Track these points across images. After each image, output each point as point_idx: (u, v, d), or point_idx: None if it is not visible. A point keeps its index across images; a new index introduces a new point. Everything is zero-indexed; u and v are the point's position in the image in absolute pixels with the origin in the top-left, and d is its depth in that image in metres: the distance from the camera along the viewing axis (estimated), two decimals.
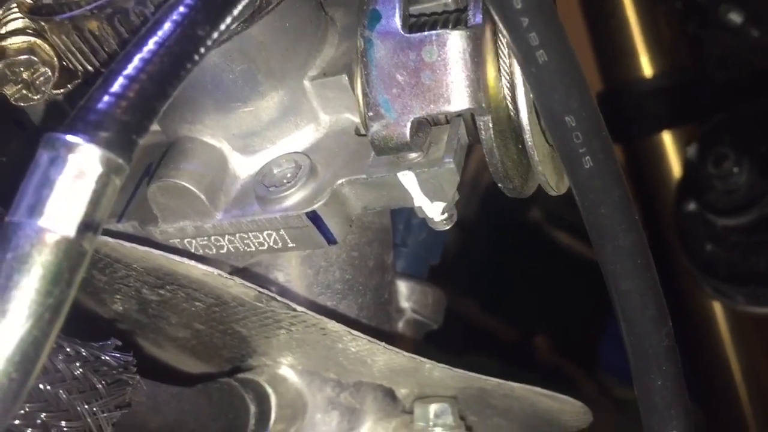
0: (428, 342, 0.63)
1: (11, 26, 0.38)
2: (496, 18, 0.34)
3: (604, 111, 1.13)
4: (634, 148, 1.10)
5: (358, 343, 0.45)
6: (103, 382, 0.35)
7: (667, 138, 1.07)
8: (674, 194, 0.96)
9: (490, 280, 1.26)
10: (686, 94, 1.04)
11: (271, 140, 0.44)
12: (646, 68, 1.07)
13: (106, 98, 0.29)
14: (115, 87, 0.30)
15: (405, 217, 0.62)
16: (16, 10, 0.38)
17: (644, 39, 1.07)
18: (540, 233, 1.29)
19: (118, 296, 0.47)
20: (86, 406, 0.34)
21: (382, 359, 0.48)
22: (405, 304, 0.60)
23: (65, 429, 0.34)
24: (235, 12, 0.33)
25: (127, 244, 0.40)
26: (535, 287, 1.26)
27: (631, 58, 1.08)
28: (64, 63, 0.39)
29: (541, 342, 1.33)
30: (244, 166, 0.44)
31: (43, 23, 0.37)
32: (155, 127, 0.47)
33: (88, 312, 0.51)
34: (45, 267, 0.27)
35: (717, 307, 1.04)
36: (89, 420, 0.34)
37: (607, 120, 1.13)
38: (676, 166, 1.06)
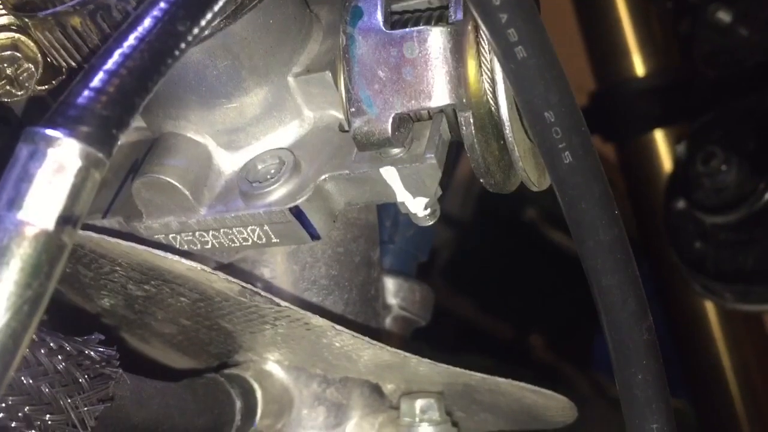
0: (423, 340, 0.63)
1: None
2: (475, 14, 0.34)
3: (597, 110, 1.13)
4: (626, 146, 1.11)
5: (342, 338, 0.45)
6: (85, 375, 0.36)
7: (659, 136, 1.08)
8: (664, 192, 0.96)
9: (485, 278, 1.26)
10: (677, 93, 1.05)
11: (255, 136, 0.44)
12: (638, 67, 1.08)
13: (86, 93, 0.30)
14: (95, 82, 0.30)
15: (392, 213, 0.63)
16: (0, 6, 0.38)
17: (636, 38, 1.08)
18: (535, 232, 1.29)
19: (104, 292, 0.48)
20: (69, 400, 0.35)
21: (368, 355, 0.48)
22: (392, 300, 0.60)
23: (48, 422, 0.35)
24: (216, 8, 0.33)
25: (112, 240, 0.40)
26: (530, 286, 1.27)
27: (623, 57, 1.08)
28: (48, 59, 0.39)
29: (536, 340, 1.33)
30: (228, 162, 0.44)
31: (26, 19, 0.38)
32: (141, 123, 0.48)
33: (75, 308, 0.52)
34: (24, 260, 0.28)
35: (708, 305, 1.04)
36: (72, 413, 0.35)
37: (600, 118, 1.13)
38: (666, 165, 1.06)
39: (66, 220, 0.29)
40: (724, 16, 0.88)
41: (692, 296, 1.02)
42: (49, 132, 0.29)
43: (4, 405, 0.34)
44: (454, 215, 1.23)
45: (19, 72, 0.38)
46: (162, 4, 0.32)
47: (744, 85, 0.89)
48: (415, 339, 0.63)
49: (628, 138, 1.11)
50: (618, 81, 1.09)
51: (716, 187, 0.83)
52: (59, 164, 0.29)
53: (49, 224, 0.28)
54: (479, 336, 1.29)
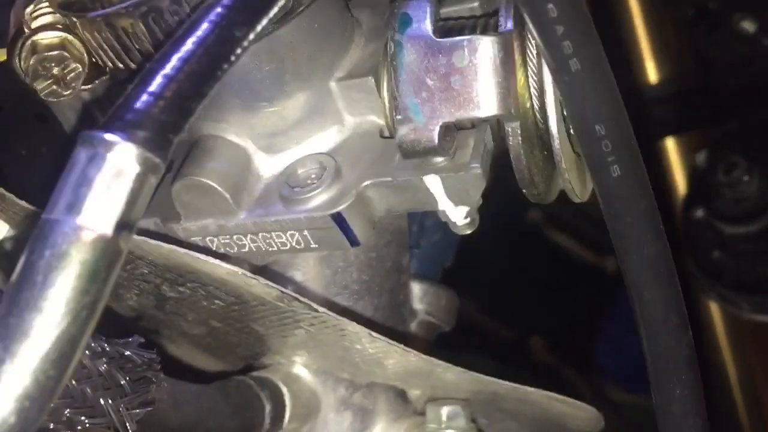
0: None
1: (42, 21, 0.38)
2: (531, 25, 0.34)
3: None
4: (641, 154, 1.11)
5: (376, 344, 0.45)
6: (127, 378, 0.35)
7: (672, 144, 1.08)
8: (680, 200, 0.96)
9: (487, 280, 1.26)
10: (692, 101, 1.04)
11: (295, 140, 0.44)
12: (652, 75, 1.07)
13: (144, 97, 0.29)
14: (153, 86, 0.30)
15: (418, 218, 0.62)
16: (47, 5, 0.38)
17: (650, 46, 1.07)
18: (538, 234, 1.29)
19: (136, 292, 0.47)
20: (111, 403, 0.35)
21: (397, 360, 0.48)
22: (418, 305, 0.60)
23: (90, 425, 0.34)
24: (271, 14, 0.33)
25: (152, 242, 0.40)
26: (532, 288, 1.27)
27: (637, 65, 1.08)
28: (94, 59, 0.39)
29: (537, 343, 1.33)
30: (268, 166, 0.44)
31: (75, 19, 0.37)
32: None
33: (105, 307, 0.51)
34: (82, 265, 0.27)
35: (716, 314, 1.04)
36: (114, 417, 0.34)
37: None
38: (681, 173, 1.06)
39: (123, 225, 0.28)
40: (748, 26, 0.88)
41: (700, 304, 1.02)
42: (108, 136, 0.29)
43: None
44: None
45: (66, 72, 0.38)
46: (219, 9, 0.32)
47: (766, 95, 0.89)
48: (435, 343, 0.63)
49: (641, 145, 1.10)
50: (632, 88, 1.09)
51: (737, 197, 0.83)
52: (118, 169, 0.28)
53: (108, 230, 0.28)
54: (480, 337, 1.29)
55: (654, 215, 0.37)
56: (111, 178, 0.28)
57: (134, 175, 0.29)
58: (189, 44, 0.31)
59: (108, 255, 0.28)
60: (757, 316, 0.87)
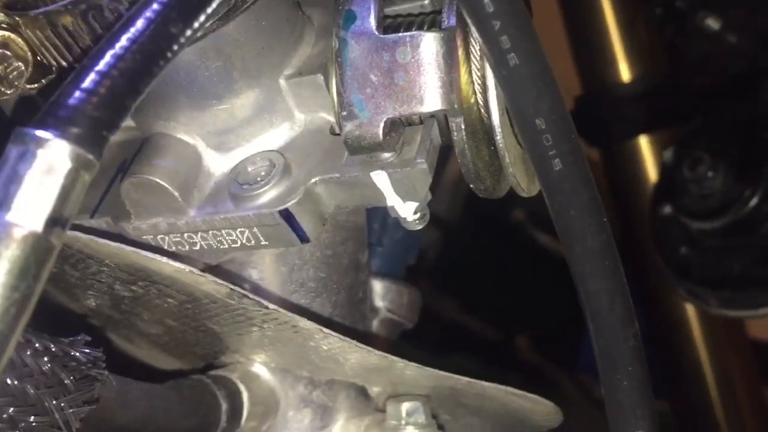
0: (409, 341, 0.63)
1: None
2: (468, 21, 0.34)
3: (583, 115, 1.13)
4: (612, 151, 1.11)
5: (329, 341, 0.45)
6: (71, 377, 0.35)
7: (645, 142, 1.08)
8: (650, 198, 0.97)
9: (471, 279, 1.26)
10: (664, 99, 1.05)
11: (246, 138, 0.44)
12: (625, 73, 1.08)
13: (77, 94, 0.29)
14: (87, 83, 0.30)
15: (381, 216, 0.63)
16: None
17: (623, 44, 1.08)
18: (522, 234, 1.30)
19: (91, 292, 0.47)
20: (54, 402, 0.34)
21: (355, 357, 0.48)
22: (380, 303, 0.60)
23: (33, 424, 0.34)
24: (209, 10, 0.33)
25: (100, 240, 0.40)
26: (517, 287, 1.27)
27: (609, 63, 1.09)
28: (39, 58, 0.39)
29: (522, 342, 1.33)
30: (218, 164, 0.44)
31: (17, 18, 0.37)
32: (130, 123, 0.47)
33: (61, 307, 0.51)
34: (11, 261, 0.27)
35: (690, 310, 1.05)
36: (57, 415, 0.34)
37: (586, 123, 1.13)
38: (653, 170, 1.07)
39: (55, 221, 0.28)
40: (712, 23, 0.89)
41: (675, 301, 1.03)
42: (39, 133, 0.29)
43: None
44: (441, 216, 1.23)
45: (8, 71, 0.38)
46: (155, 6, 0.32)
47: (732, 92, 0.90)
48: (401, 340, 0.63)
49: (614, 143, 1.11)
50: (604, 86, 1.10)
51: (703, 193, 0.83)
52: (49, 165, 0.28)
53: (38, 226, 0.28)
54: (465, 337, 1.29)
55: (597, 208, 0.38)
56: (41, 175, 0.28)
57: (65, 171, 0.29)
58: (123, 41, 0.31)
59: (38, 251, 0.28)
60: (724, 311, 0.88)
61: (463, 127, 0.39)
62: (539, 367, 1.32)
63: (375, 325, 0.59)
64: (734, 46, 0.90)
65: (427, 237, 1.18)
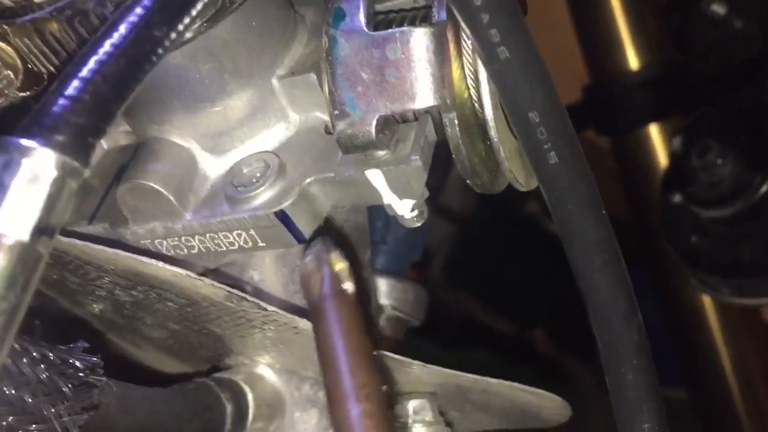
0: (424, 336, 0.62)
1: None
2: (457, 15, 0.34)
3: (592, 104, 1.12)
4: (621, 139, 1.10)
5: None
6: (69, 384, 0.35)
7: (654, 130, 1.07)
8: (660, 186, 0.96)
9: (486, 273, 1.26)
10: (672, 86, 1.04)
11: (240, 140, 0.43)
12: (632, 61, 1.07)
13: (60, 101, 0.29)
14: (70, 90, 0.30)
15: (384, 214, 0.62)
16: None
17: (630, 32, 1.07)
18: (537, 226, 1.29)
19: (93, 297, 0.47)
20: (52, 409, 0.34)
21: None
22: (385, 301, 0.60)
23: None
24: (194, 12, 0.33)
25: (96, 246, 0.40)
26: (532, 280, 1.26)
27: (617, 51, 1.08)
28: (29, 66, 0.39)
29: (538, 334, 1.33)
30: (213, 166, 0.44)
31: (5, 26, 0.37)
32: (128, 128, 0.47)
33: (66, 313, 0.51)
34: None
35: (705, 298, 1.04)
36: (55, 423, 0.34)
37: (595, 113, 1.12)
38: (662, 158, 1.06)
39: (42, 230, 0.28)
40: (718, 9, 0.88)
41: (689, 289, 1.02)
42: (24, 142, 0.28)
43: None
44: (454, 210, 1.23)
45: None
46: (138, 10, 0.31)
47: (739, 78, 0.89)
48: (416, 336, 0.63)
49: (623, 131, 1.10)
50: (612, 74, 1.09)
51: (712, 180, 0.82)
52: (34, 174, 0.28)
53: (24, 235, 0.28)
54: (481, 331, 1.29)
55: (595, 201, 0.37)
56: (26, 184, 0.28)
57: (51, 179, 0.28)
58: (107, 46, 0.31)
59: (25, 261, 0.28)
60: (736, 300, 0.87)
61: (456, 122, 0.38)
62: (556, 358, 1.32)
63: (381, 323, 0.59)
64: (741, 31, 0.89)
65: (440, 232, 1.18)
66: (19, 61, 0.38)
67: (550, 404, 0.53)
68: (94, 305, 0.49)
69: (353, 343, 0.34)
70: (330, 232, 0.39)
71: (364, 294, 0.54)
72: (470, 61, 0.38)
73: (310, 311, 0.36)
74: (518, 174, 0.41)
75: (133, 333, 0.51)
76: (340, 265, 0.36)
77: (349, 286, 0.36)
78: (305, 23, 0.45)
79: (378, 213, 0.61)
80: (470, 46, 0.38)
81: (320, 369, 0.35)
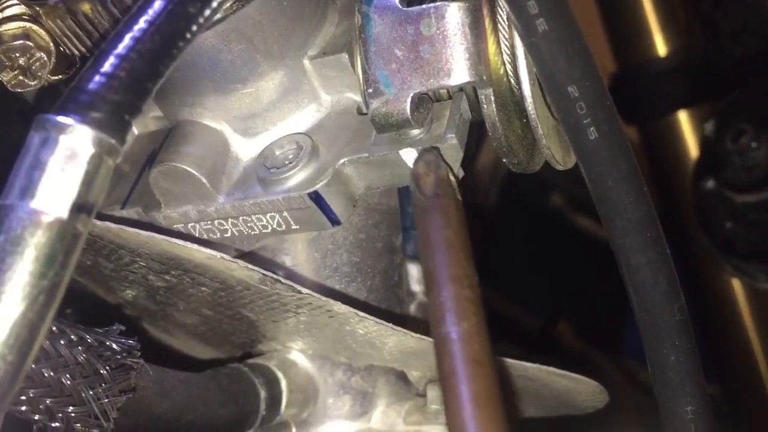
0: None
1: (7, 12, 0.38)
2: None
3: (619, 92, 1.11)
4: (650, 127, 1.09)
5: (365, 324, 0.45)
6: (107, 367, 0.35)
7: (683, 117, 1.06)
8: (691, 173, 0.95)
9: (511, 267, 1.25)
10: (701, 72, 1.03)
11: (272, 121, 0.43)
12: (660, 48, 1.05)
13: (96, 78, 0.29)
14: (106, 67, 0.29)
15: None
16: None
17: (658, 18, 1.06)
18: (561, 219, 1.28)
19: (126, 283, 0.47)
20: (90, 392, 0.34)
21: (392, 341, 0.47)
22: (416, 287, 0.59)
23: (71, 414, 0.34)
24: None
25: (130, 230, 0.40)
26: (558, 274, 1.25)
27: (645, 38, 1.06)
28: (61, 48, 0.39)
29: (565, 329, 1.31)
30: (246, 149, 0.43)
31: (37, 8, 0.37)
32: (158, 113, 0.47)
33: (99, 300, 0.52)
34: (38, 249, 0.27)
35: (737, 287, 1.02)
36: (94, 405, 0.34)
37: (622, 101, 1.11)
38: (692, 146, 1.04)
39: (80, 207, 0.28)
40: None
41: (721, 279, 1.00)
42: (61, 119, 0.28)
43: (25, 397, 0.33)
44: (478, 203, 1.22)
45: (31, 62, 0.38)
46: None
47: None
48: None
49: (652, 119, 1.09)
50: (640, 61, 1.07)
51: (746, 164, 0.81)
52: (71, 151, 0.28)
53: (63, 212, 0.28)
54: (506, 325, 1.28)
55: (636, 177, 0.36)
56: (64, 161, 0.28)
57: (88, 157, 0.28)
58: (141, 23, 0.30)
59: (64, 238, 0.28)
60: None
61: (493, 99, 0.38)
62: (582, 353, 1.30)
63: (413, 309, 0.59)
64: None
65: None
66: (51, 44, 0.38)
67: (586, 389, 0.52)
68: (127, 291, 0.49)
69: (461, 238, 0.35)
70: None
71: (397, 279, 0.53)
72: (506, 35, 0.37)
73: (416, 210, 0.38)
74: (556, 152, 0.40)
75: (165, 319, 0.51)
76: (450, 173, 0.37)
77: (458, 190, 0.37)
78: (336, 3, 0.44)
79: (410, 198, 0.61)
80: (506, 21, 0.37)
81: (422, 262, 0.36)
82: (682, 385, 0.40)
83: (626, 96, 1.07)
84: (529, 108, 0.38)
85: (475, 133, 0.42)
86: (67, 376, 0.34)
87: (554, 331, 1.30)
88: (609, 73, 1.10)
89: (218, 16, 0.34)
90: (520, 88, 0.38)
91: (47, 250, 0.27)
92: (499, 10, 0.37)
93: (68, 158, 0.28)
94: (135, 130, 0.48)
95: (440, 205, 0.36)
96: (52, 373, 0.34)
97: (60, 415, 0.34)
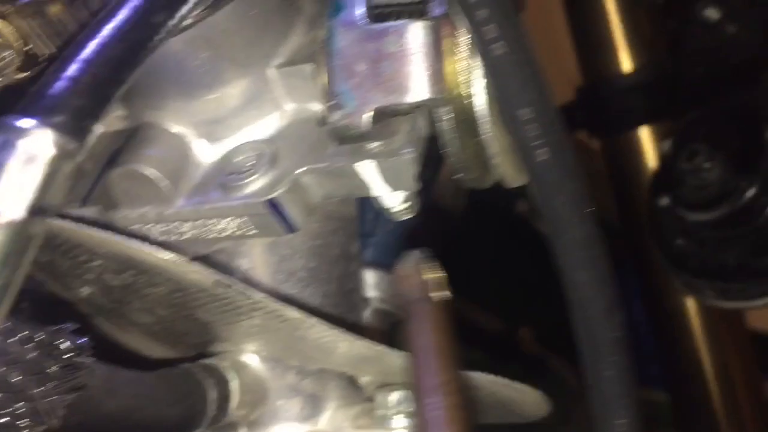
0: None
1: None
2: (456, 9, 0.34)
3: (583, 104, 1.12)
4: (612, 141, 1.11)
5: (317, 330, 0.45)
6: (56, 365, 0.35)
7: (644, 133, 1.08)
8: (649, 189, 0.97)
9: (474, 271, 1.26)
10: (665, 89, 1.05)
11: (235, 128, 0.44)
12: (626, 63, 1.07)
13: (59, 82, 0.30)
14: (69, 71, 0.30)
15: (375, 206, 0.62)
16: None
17: (624, 34, 1.08)
18: (526, 225, 1.29)
19: (82, 281, 0.47)
20: (37, 389, 0.35)
21: (343, 347, 0.48)
22: (372, 293, 0.60)
23: (18, 411, 0.34)
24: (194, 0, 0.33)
25: (87, 229, 0.40)
26: (520, 279, 1.27)
27: (610, 53, 1.08)
28: (28, 47, 0.39)
29: (526, 334, 1.33)
30: (207, 153, 0.44)
31: (7, 6, 0.37)
32: (124, 112, 0.47)
33: (55, 296, 0.52)
34: None
35: (690, 302, 1.05)
36: (40, 402, 0.35)
37: (587, 114, 1.12)
38: (652, 161, 1.06)
39: (36, 210, 0.29)
40: (712, 14, 0.88)
41: (674, 292, 1.03)
42: (20, 122, 0.29)
43: None
44: (443, 207, 1.23)
45: None
46: None
47: (730, 83, 0.90)
48: (390, 331, 0.63)
49: (614, 133, 1.11)
50: (605, 76, 1.09)
51: (700, 184, 0.83)
52: (30, 154, 0.28)
53: (18, 215, 0.28)
54: (468, 328, 1.29)
55: (581, 199, 0.38)
56: (23, 164, 0.28)
57: (47, 160, 0.29)
58: (106, 29, 0.31)
59: (18, 240, 0.28)
60: (720, 303, 0.87)
61: (449, 117, 0.39)
62: (543, 358, 1.32)
63: (367, 315, 0.59)
64: (734, 36, 0.90)
65: (429, 229, 1.17)
66: (18, 42, 0.38)
67: (529, 398, 0.53)
68: (83, 289, 0.49)
69: (445, 343, 0.36)
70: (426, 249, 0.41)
71: (352, 286, 0.54)
72: (464, 56, 0.38)
73: (403, 309, 0.40)
74: (508, 170, 0.41)
75: (120, 317, 0.51)
76: (440, 274, 0.39)
77: (447, 294, 0.39)
78: (305, 14, 0.45)
79: (369, 205, 0.62)
80: (465, 43, 0.38)
81: (410, 361, 0.37)
82: (616, 398, 0.41)
83: (591, 109, 1.09)
84: (484, 127, 0.39)
85: (441, 144, 0.43)
86: (16, 372, 0.34)
87: (515, 336, 1.32)
88: (574, 86, 1.12)
89: (186, 23, 0.34)
90: (475, 108, 0.39)
91: (0, 251, 0.28)
92: (459, 31, 0.38)
93: (27, 161, 0.28)
94: (99, 128, 0.48)
95: (429, 309, 0.38)
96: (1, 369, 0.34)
97: (7, 411, 0.34)
